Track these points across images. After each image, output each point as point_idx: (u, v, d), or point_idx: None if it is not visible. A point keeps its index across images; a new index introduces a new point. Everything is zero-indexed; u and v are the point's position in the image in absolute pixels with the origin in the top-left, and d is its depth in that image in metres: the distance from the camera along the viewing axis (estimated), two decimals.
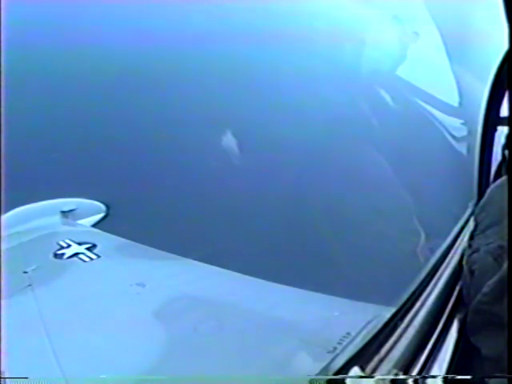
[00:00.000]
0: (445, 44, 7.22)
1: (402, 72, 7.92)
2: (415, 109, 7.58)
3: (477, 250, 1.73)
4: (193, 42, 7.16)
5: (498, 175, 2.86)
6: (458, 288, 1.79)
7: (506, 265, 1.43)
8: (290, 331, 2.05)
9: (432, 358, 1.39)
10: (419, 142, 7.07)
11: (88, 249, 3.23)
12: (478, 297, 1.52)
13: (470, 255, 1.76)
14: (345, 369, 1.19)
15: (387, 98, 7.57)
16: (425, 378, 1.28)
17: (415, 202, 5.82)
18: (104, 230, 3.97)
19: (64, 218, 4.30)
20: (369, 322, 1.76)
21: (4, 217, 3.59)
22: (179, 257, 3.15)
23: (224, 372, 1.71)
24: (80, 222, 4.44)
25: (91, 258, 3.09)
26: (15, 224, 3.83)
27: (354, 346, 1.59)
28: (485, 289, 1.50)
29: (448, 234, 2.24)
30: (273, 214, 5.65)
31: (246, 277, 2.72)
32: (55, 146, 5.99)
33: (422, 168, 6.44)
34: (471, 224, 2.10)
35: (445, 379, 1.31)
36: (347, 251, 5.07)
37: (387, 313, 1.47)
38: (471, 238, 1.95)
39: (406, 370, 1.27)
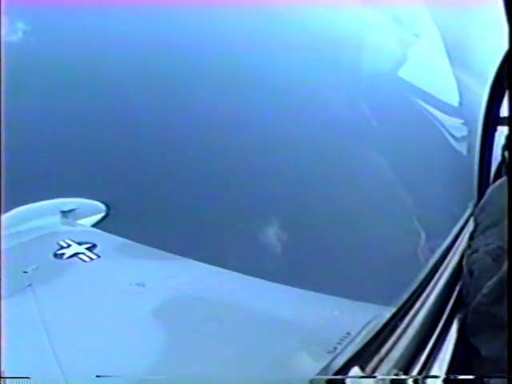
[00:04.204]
0: (445, 45, 7.23)
1: (402, 73, 7.94)
2: (416, 109, 7.59)
3: (476, 251, 1.72)
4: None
5: (497, 176, 2.84)
6: (457, 288, 1.78)
7: (505, 266, 1.43)
8: (290, 331, 2.05)
9: (432, 358, 1.38)
10: (419, 142, 7.07)
11: (88, 249, 3.22)
12: (478, 298, 1.52)
13: (470, 256, 1.75)
14: (345, 369, 1.19)
15: (388, 98, 7.58)
16: (425, 377, 1.28)
17: (415, 202, 5.82)
18: (104, 230, 3.97)
19: (64, 218, 4.29)
20: (369, 322, 1.76)
21: (4, 217, 3.58)
22: (179, 257, 3.14)
23: (224, 372, 1.71)
24: (80, 221, 4.42)
25: (91, 258, 3.08)
26: (15, 224, 3.81)
27: (354, 345, 1.59)
28: (484, 290, 1.49)
29: (448, 234, 2.24)
30: (273, 214, 5.65)
31: (246, 277, 2.72)
32: (55, 146, 5.99)
33: (422, 168, 6.44)
34: (471, 224, 2.10)
35: (445, 379, 1.31)
36: (347, 251, 5.07)
37: (387, 313, 1.47)
38: (471, 238, 1.94)
39: (406, 370, 1.27)
